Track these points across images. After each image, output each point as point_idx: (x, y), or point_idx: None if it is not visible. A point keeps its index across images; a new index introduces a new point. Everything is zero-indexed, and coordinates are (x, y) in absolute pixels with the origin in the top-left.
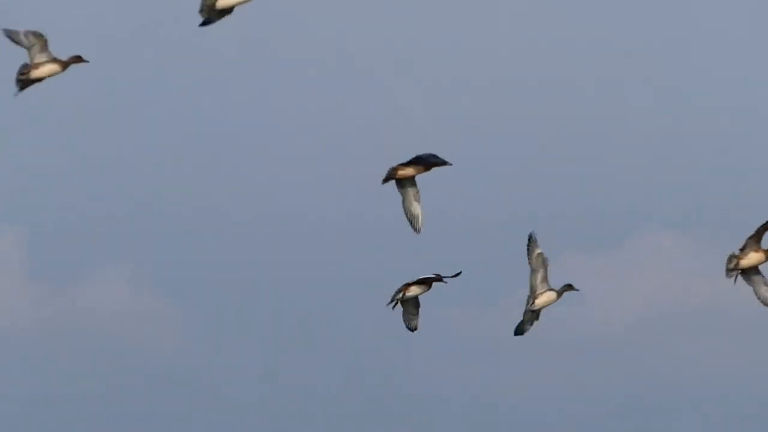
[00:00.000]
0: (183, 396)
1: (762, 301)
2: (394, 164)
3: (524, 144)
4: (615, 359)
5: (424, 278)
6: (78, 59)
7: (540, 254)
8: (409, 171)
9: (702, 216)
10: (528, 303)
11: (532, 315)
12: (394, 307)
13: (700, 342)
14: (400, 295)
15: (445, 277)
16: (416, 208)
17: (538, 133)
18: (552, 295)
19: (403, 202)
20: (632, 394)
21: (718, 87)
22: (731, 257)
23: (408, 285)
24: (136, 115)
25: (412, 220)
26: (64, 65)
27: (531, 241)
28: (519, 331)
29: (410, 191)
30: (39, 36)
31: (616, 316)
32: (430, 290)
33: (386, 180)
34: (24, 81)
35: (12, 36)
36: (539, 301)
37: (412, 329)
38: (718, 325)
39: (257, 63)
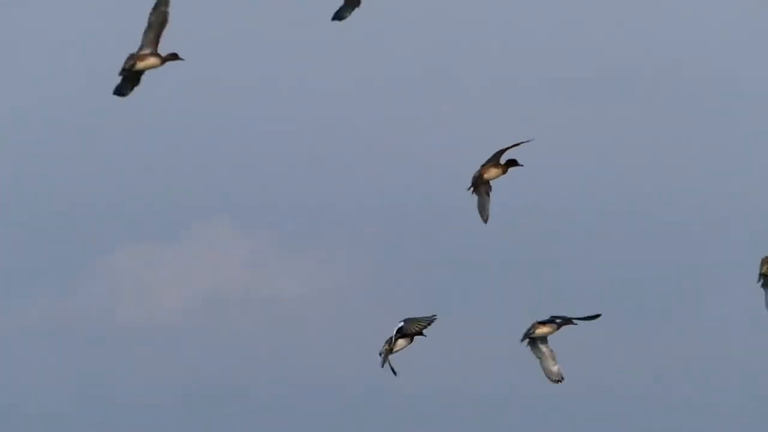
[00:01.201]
0: None
1: None
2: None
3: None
4: (175, 347)
5: (408, 332)
6: (175, 56)
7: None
8: (492, 173)
9: (263, 209)
10: (528, 329)
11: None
12: (385, 364)
13: (255, 329)
14: (389, 353)
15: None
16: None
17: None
18: (553, 326)
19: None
20: (190, 381)
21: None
22: (764, 260)
23: (394, 340)
24: None
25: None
26: (163, 61)
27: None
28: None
29: None
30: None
31: (174, 305)
32: None
33: (475, 187)
34: (128, 70)
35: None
36: (539, 331)
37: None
38: (274, 313)
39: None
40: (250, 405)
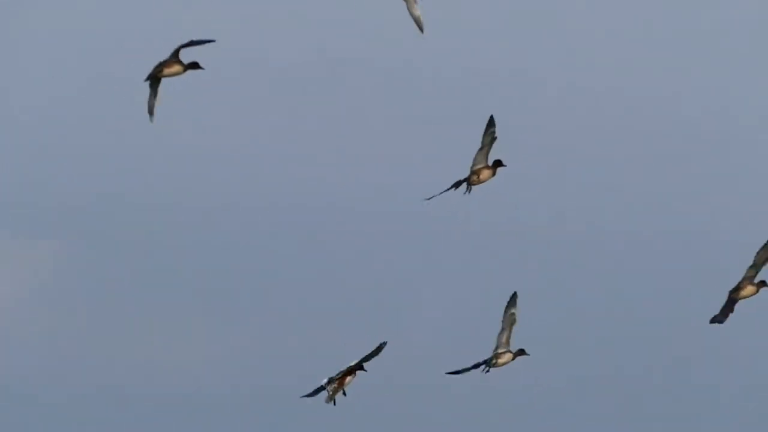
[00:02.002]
0: None
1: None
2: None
3: None
4: None
5: (351, 367)
6: (196, 65)
7: (513, 314)
8: (485, 174)
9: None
10: (490, 358)
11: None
12: (334, 402)
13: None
14: (339, 390)
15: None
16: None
17: None
18: (509, 356)
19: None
20: None
21: None
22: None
23: (342, 376)
24: None
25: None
26: (185, 68)
27: (512, 299)
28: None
29: None
30: None
31: None
32: None
33: (468, 187)
34: (155, 76)
35: None
36: (501, 361)
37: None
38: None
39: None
40: None
